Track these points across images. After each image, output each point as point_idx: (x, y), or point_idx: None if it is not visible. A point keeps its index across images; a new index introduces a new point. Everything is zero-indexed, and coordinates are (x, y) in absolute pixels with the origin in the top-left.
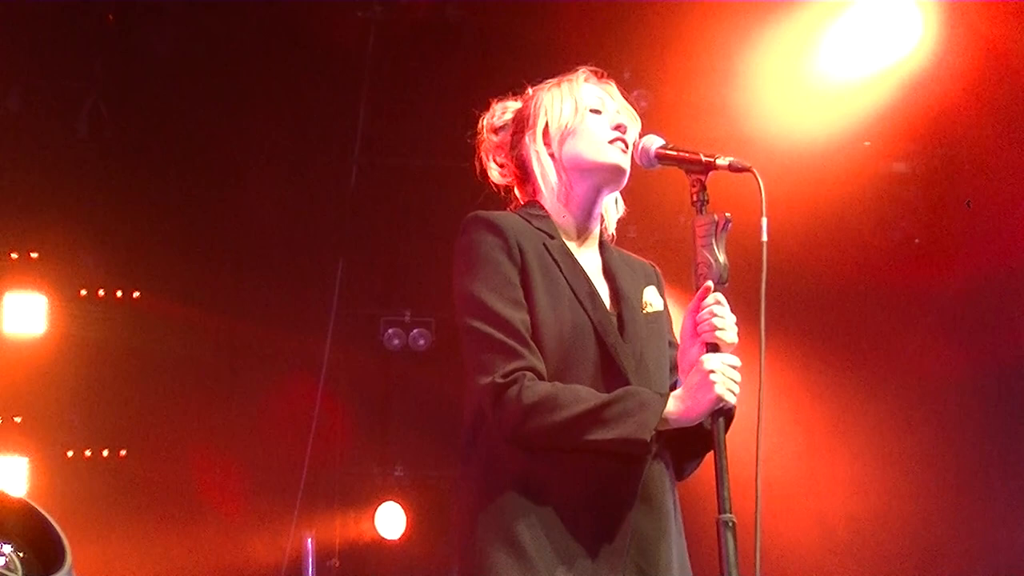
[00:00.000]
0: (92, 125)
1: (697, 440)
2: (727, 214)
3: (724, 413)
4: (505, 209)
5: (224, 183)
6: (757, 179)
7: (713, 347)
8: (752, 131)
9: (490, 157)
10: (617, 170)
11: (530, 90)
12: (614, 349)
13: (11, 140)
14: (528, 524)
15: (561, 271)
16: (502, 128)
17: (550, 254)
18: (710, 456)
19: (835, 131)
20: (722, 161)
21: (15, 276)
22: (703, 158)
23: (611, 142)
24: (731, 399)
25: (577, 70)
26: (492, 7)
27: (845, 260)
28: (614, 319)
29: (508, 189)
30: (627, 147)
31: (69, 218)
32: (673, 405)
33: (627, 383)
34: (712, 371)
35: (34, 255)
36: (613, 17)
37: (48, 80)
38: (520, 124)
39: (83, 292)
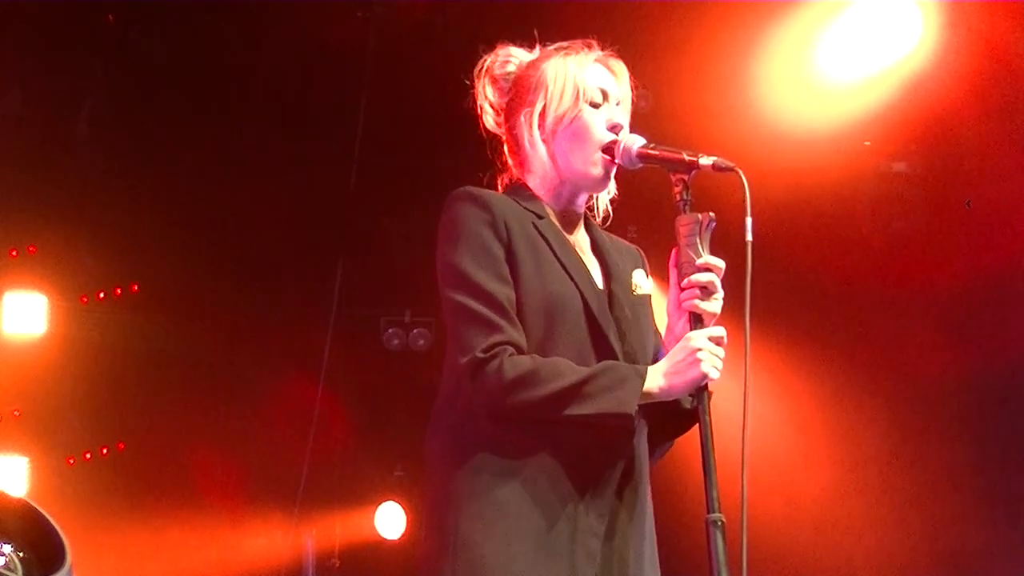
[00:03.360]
0: (92, 125)
1: (671, 421)
2: (711, 214)
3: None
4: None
5: (224, 183)
6: (742, 179)
7: (697, 319)
8: (752, 130)
9: (487, 104)
10: (599, 184)
11: (537, 49)
12: (603, 323)
13: (11, 140)
14: (504, 498)
15: (550, 247)
16: (502, 79)
17: (539, 231)
18: (698, 453)
19: (835, 131)
20: (705, 161)
21: (15, 275)
22: (686, 157)
23: (603, 148)
24: (715, 375)
25: (589, 45)
26: (492, 7)
27: (844, 260)
28: (605, 295)
29: (494, 137)
30: (614, 157)
31: (69, 218)
32: (656, 379)
33: (615, 358)
34: (699, 348)
35: (34, 255)
36: (613, 17)
37: (48, 80)
38: (520, 91)
39: (83, 292)
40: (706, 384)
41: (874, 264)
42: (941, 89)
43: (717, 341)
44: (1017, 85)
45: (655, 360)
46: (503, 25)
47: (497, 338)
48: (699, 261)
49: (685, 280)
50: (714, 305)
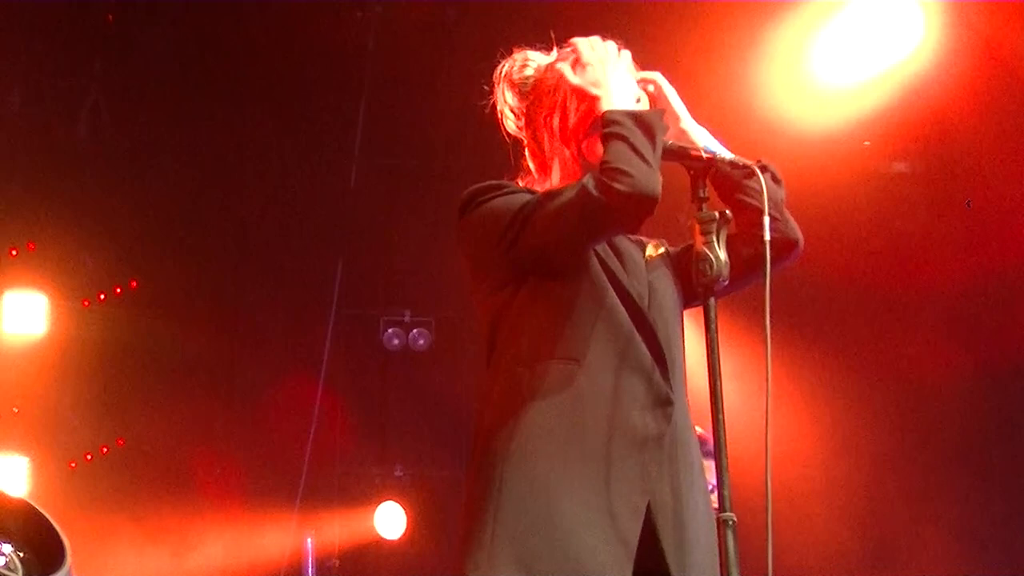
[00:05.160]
0: (92, 125)
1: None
2: (727, 211)
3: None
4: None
5: (224, 183)
6: (759, 177)
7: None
8: (752, 131)
9: (507, 109)
10: None
11: (554, 52)
12: (630, 293)
13: (11, 139)
14: (548, 454)
15: None
16: (520, 83)
17: None
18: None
19: (835, 131)
20: (723, 158)
21: (15, 275)
22: (704, 154)
23: None
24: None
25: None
26: (492, 7)
27: (844, 260)
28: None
29: (517, 142)
30: None
31: (69, 218)
32: (619, 112)
33: (644, 316)
34: (588, 60)
35: (34, 254)
36: (611, 17)
37: (48, 80)
38: (538, 94)
39: (84, 293)
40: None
41: (874, 264)
42: (941, 90)
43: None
44: (1017, 86)
45: None
46: (503, 25)
47: (525, 197)
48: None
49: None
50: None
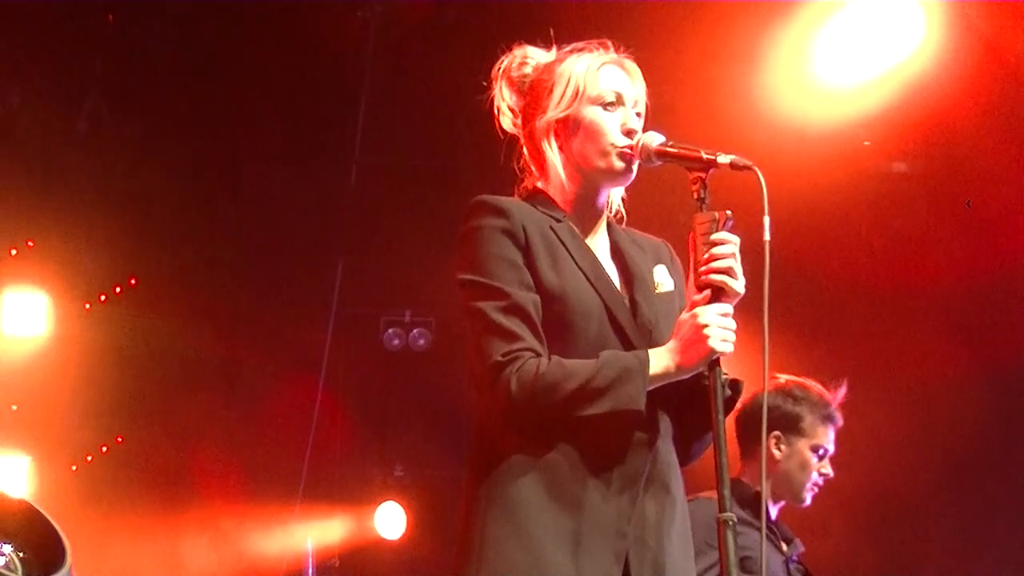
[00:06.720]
0: (92, 124)
1: (703, 417)
2: (728, 212)
3: (731, 389)
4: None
5: (224, 183)
6: (759, 178)
7: (717, 292)
8: (754, 130)
9: (505, 106)
10: (623, 177)
11: (554, 51)
12: (625, 328)
13: (11, 139)
14: (529, 500)
15: (568, 251)
16: (519, 81)
17: (556, 235)
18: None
19: (836, 131)
20: (723, 159)
21: (15, 274)
22: (704, 156)
23: (619, 151)
24: (727, 349)
25: (605, 46)
26: (492, 7)
27: (844, 260)
28: (626, 300)
29: (513, 140)
30: (633, 152)
31: (69, 217)
32: (664, 360)
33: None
34: (706, 324)
35: (35, 253)
36: (614, 17)
37: (48, 80)
38: (535, 95)
39: (84, 294)
40: (717, 359)
41: (874, 264)
42: (942, 90)
43: (724, 315)
44: (1017, 85)
45: None
46: (503, 25)
47: (515, 346)
48: (713, 236)
49: (706, 254)
50: (736, 283)
